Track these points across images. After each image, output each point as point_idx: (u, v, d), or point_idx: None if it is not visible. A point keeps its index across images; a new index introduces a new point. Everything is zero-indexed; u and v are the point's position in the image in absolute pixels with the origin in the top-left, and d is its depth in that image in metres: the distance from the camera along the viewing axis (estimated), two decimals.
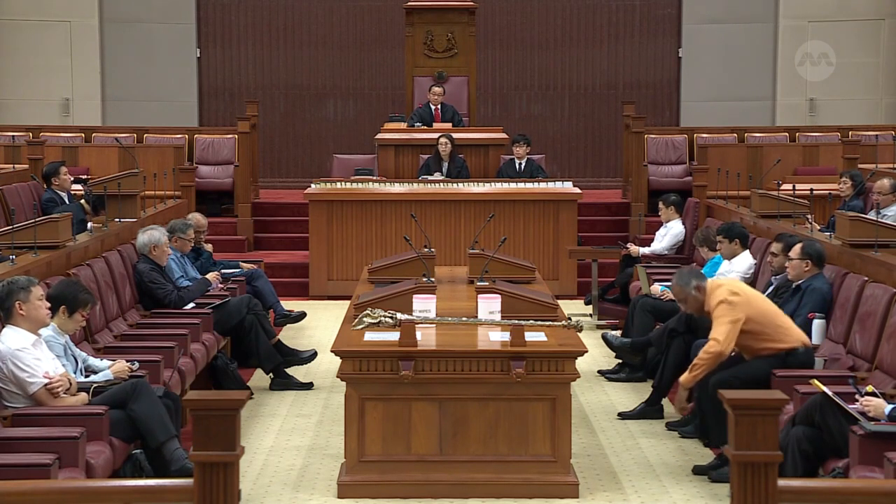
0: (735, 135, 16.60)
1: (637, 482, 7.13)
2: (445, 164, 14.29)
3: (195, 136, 16.46)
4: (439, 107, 15.40)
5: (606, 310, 12.00)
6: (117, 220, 10.50)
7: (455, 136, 14.74)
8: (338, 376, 6.88)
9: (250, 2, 19.55)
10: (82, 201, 11.56)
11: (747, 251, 9.80)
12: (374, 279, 9.06)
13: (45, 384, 6.36)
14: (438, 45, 16.09)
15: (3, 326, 6.63)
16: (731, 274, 9.62)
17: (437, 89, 15.42)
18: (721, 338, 7.16)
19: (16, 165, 13.68)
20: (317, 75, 19.68)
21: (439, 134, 14.43)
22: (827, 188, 12.62)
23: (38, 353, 6.44)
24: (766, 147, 15.94)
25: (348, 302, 8.42)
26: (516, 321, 6.99)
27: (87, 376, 6.91)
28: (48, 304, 6.64)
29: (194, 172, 14.88)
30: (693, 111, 19.21)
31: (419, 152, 14.72)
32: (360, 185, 13.62)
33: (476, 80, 16.52)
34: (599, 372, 9.87)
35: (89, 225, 10.41)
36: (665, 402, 8.63)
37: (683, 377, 7.22)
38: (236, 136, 16.04)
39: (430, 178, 14.16)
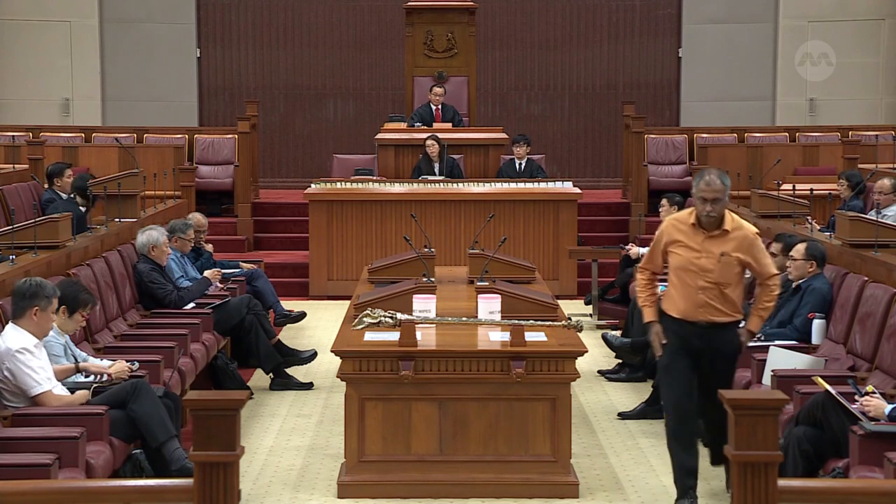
0: (735, 135, 16.60)
1: (637, 482, 7.13)
2: (437, 165, 14.27)
3: (195, 136, 16.46)
4: (440, 107, 15.39)
5: (606, 310, 12.00)
6: (117, 220, 10.50)
7: (455, 136, 14.74)
8: (338, 376, 6.88)
9: (250, 2, 19.55)
10: (73, 194, 11.35)
11: None
12: (374, 279, 9.07)
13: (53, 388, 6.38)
14: (438, 45, 16.08)
15: (7, 323, 6.64)
16: None
17: (437, 90, 15.41)
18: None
19: (16, 165, 13.68)
20: (317, 75, 19.67)
21: (426, 135, 14.40)
22: (827, 188, 12.62)
23: (39, 355, 6.43)
24: (766, 147, 15.95)
25: (348, 302, 8.43)
26: (516, 321, 7.00)
27: (87, 376, 6.91)
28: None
29: (194, 172, 14.89)
30: (693, 111, 19.21)
31: (419, 152, 14.71)
32: (360, 185, 13.62)
33: (476, 80, 16.51)
34: (599, 372, 9.87)
35: (86, 214, 10.34)
36: None
37: (755, 324, 6.61)
38: (236, 136, 16.04)
39: (429, 178, 14.16)
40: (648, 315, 6.72)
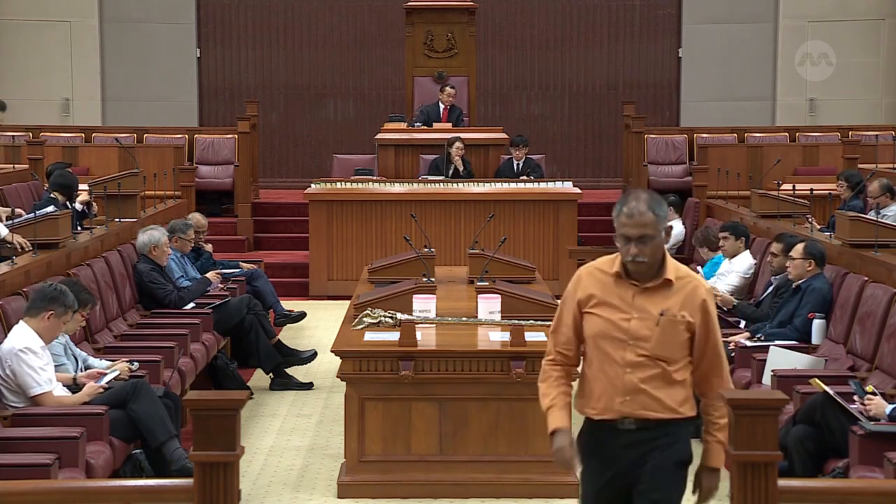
0: (735, 135, 16.60)
1: None
2: (452, 167, 14.24)
3: (195, 136, 16.47)
4: (449, 107, 15.37)
5: None
6: (117, 220, 10.49)
7: (455, 136, 14.72)
8: (338, 376, 6.89)
9: (250, 2, 19.54)
10: (54, 193, 10.63)
11: (748, 251, 9.81)
12: (374, 279, 9.07)
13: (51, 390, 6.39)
14: (438, 45, 16.08)
15: (6, 324, 6.65)
16: (731, 274, 9.63)
17: (450, 90, 15.37)
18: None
19: (16, 165, 13.67)
20: (317, 75, 19.67)
21: (453, 136, 14.36)
22: (827, 188, 12.62)
23: (43, 356, 6.44)
24: (766, 147, 15.94)
25: (348, 302, 8.43)
26: (516, 321, 6.99)
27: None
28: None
29: (194, 172, 14.88)
30: (693, 111, 19.21)
31: (419, 152, 14.71)
32: (360, 185, 13.62)
33: (476, 80, 16.50)
34: None
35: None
36: None
37: (717, 458, 4.45)
38: (236, 136, 16.04)
39: (429, 177, 14.15)
40: (555, 420, 4.43)
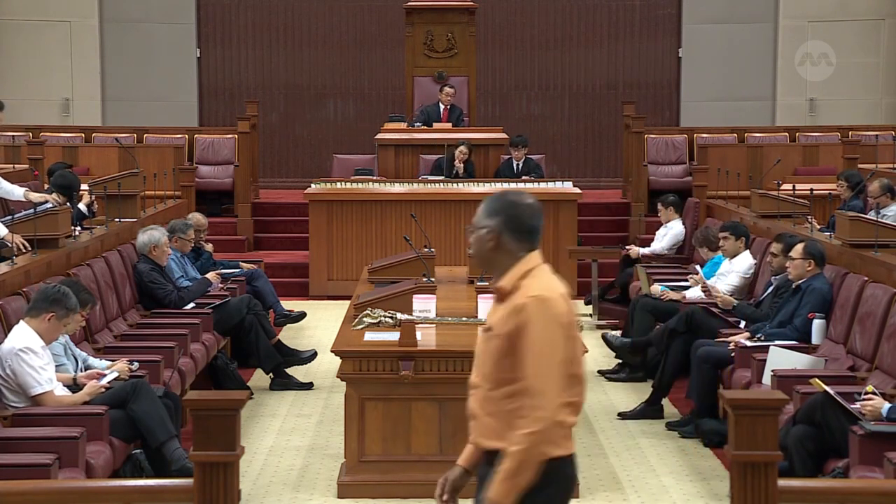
0: (735, 135, 16.60)
1: (637, 482, 7.13)
2: (454, 171, 14.25)
3: (195, 136, 16.47)
4: (449, 107, 15.37)
5: (606, 310, 12.00)
6: (117, 220, 10.49)
7: (456, 136, 14.73)
8: (338, 376, 6.89)
9: (250, 2, 19.55)
10: (55, 194, 10.67)
11: (748, 251, 9.81)
12: (374, 279, 9.07)
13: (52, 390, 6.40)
14: (438, 45, 16.08)
15: (6, 324, 6.65)
16: (731, 274, 9.63)
17: (449, 90, 15.38)
18: (552, 402, 3.76)
19: (16, 165, 13.67)
20: (317, 75, 19.67)
21: (461, 140, 14.38)
22: (827, 188, 12.61)
23: (43, 356, 6.44)
24: (766, 147, 15.94)
25: (348, 302, 8.43)
26: None
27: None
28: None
29: (194, 172, 14.88)
30: (693, 111, 19.21)
31: (419, 152, 14.71)
32: (360, 185, 13.62)
33: (476, 80, 16.50)
34: (599, 372, 9.87)
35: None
36: (665, 401, 8.64)
37: (499, 491, 4.00)
38: (236, 136, 16.04)
39: (429, 177, 14.16)
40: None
